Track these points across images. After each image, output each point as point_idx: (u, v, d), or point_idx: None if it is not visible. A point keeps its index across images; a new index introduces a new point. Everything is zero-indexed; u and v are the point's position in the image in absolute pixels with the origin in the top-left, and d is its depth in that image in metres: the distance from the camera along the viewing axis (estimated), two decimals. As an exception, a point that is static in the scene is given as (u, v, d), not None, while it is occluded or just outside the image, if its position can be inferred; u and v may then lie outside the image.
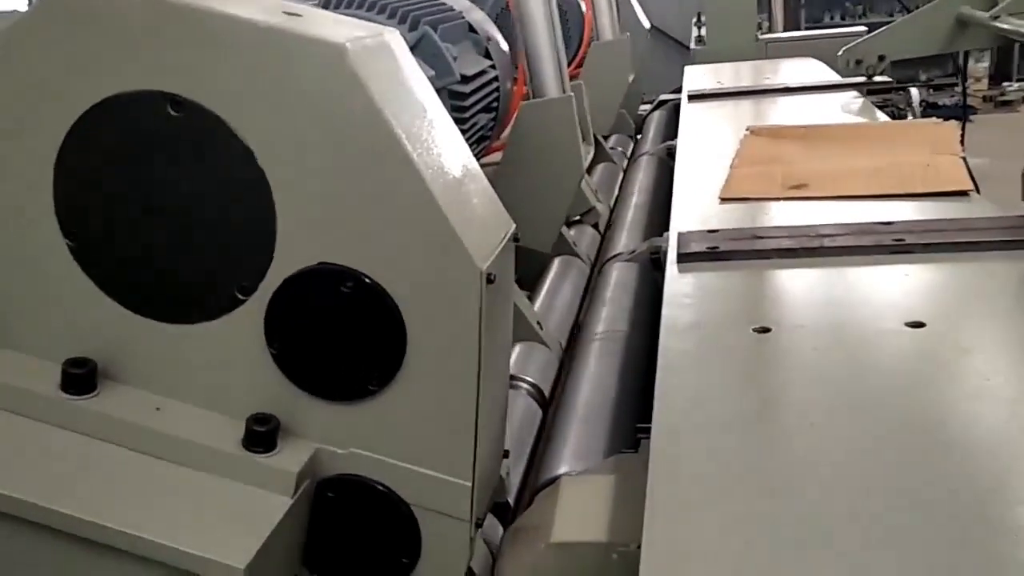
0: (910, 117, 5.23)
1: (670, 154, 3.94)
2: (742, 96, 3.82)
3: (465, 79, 2.75)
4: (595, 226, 3.74)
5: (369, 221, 1.27)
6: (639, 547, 0.95)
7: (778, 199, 2.12)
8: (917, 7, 4.60)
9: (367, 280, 1.28)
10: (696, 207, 2.17)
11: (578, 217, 3.70)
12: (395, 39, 1.40)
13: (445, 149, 1.34)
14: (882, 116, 3.21)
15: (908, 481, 1.03)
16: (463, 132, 2.87)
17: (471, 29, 3.15)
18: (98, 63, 1.27)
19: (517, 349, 2.34)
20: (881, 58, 4.28)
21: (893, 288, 1.57)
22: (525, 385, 2.19)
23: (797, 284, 1.65)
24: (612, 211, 3.89)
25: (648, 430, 1.20)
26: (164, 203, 1.30)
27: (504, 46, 3.35)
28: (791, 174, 2.28)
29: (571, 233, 3.45)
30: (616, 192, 4.24)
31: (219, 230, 1.30)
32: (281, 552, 1.31)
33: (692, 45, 6.71)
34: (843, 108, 3.43)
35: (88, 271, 1.34)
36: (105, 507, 1.24)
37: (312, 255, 1.29)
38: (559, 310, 2.79)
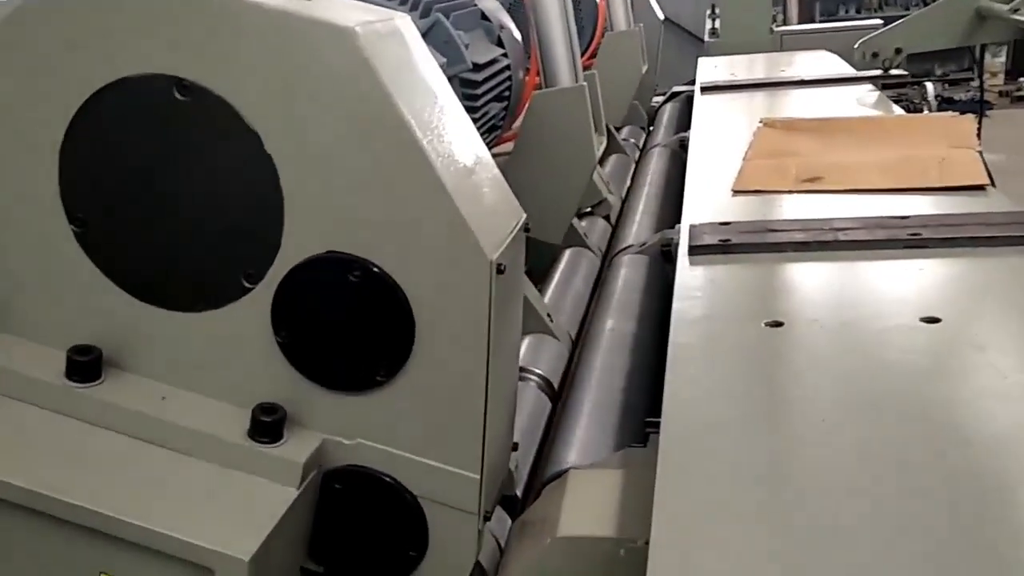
0: (925, 112, 5.19)
1: (682, 146, 3.92)
2: (756, 88, 3.79)
3: (477, 67, 2.72)
4: (607, 218, 3.72)
5: (378, 209, 1.25)
6: (647, 543, 0.94)
7: (791, 192, 2.10)
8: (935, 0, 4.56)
9: (375, 269, 1.27)
10: (708, 199, 2.15)
11: (589, 209, 3.68)
12: (406, 24, 1.38)
13: (456, 136, 1.33)
14: (897, 110, 3.18)
15: (922, 479, 1.02)
16: (474, 121, 2.84)
17: (484, 17, 3.12)
18: (104, 46, 1.26)
19: (527, 341, 2.33)
20: (898, 51, 4.25)
21: (908, 283, 1.55)
22: (535, 377, 2.17)
23: (810, 278, 1.63)
24: (624, 203, 3.87)
25: (657, 424, 1.19)
26: (170, 189, 1.29)
27: (517, 35, 3.32)
28: (805, 167, 2.26)
29: (582, 225, 3.43)
30: (628, 184, 4.21)
31: (226, 216, 1.29)
32: (286, 544, 1.30)
33: (706, 37, 6.67)
34: (858, 101, 3.40)
35: (94, 257, 1.33)
36: (108, 496, 1.23)
37: (320, 243, 1.27)
38: (569, 302, 2.78)
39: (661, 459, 1.06)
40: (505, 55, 3.11)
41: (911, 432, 1.11)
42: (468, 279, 1.26)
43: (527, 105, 3.24)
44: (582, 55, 4.47)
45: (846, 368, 1.27)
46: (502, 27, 3.20)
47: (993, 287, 1.54)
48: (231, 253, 1.30)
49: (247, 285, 1.31)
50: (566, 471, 1.53)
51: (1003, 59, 10.00)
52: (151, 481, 1.27)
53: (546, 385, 2.17)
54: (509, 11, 3.47)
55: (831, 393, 1.21)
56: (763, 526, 0.95)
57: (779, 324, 1.39)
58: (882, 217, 1.81)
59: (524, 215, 1.45)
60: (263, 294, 1.30)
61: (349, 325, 1.30)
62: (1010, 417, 1.12)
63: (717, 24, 6.64)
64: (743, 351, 1.35)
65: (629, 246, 2.93)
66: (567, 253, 3.15)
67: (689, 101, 4.29)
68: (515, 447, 1.59)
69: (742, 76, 4.12)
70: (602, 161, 4.32)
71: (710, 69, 4.41)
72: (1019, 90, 9.75)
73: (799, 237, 1.73)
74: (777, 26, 6.76)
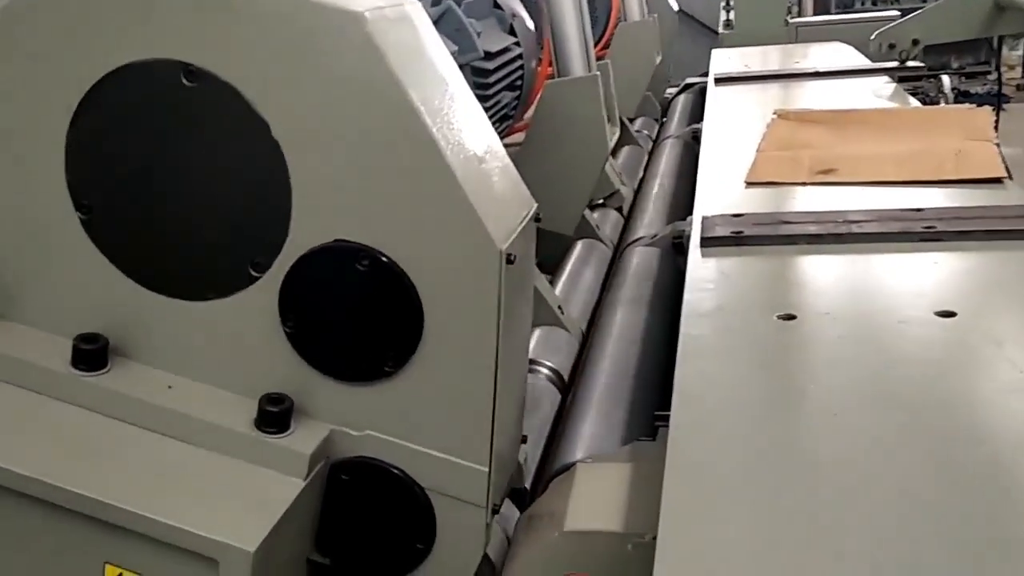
0: (942, 104, 5.14)
1: (695, 137, 3.90)
2: (770, 80, 3.76)
3: (488, 56, 2.71)
4: (619, 209, 3.70)
5: (386, 197, 1.24)
6: (655, 538, 0.92)
7: (805, 184, 2.08)
8: (953, -10, 4.51)
9: (384, 258, 1.25)
10: (721, 191, 2.13)
11: (602, 200, 3.66)
12: (416, 11, 1.37)
13: (466, 125, 1.31)
14: (913, 102, 3.15)
15: (935, 475, 1.00)
16: (486, 110, 2.83)
17: (496, 5, 3.11)
18: (110, 32, 1.25)
19: (537, 333, 2.32)
20: (915, 42, 4.20)
21: (922, 276, 1.53)
22: (545, 370, 2.16)
23: (823, 271, 1.61)
24: (636, 194, 3.85)
25: (667, 417, 1.17)
26: (177, 176, 1.28)
27: (530, 23, 3.30)
28: (819, 159, 2.24)
29: (594, 216, 3.42)
30: (641, 175, 4.20)
31: (233, 204, 1.28)
32: (292, 535, 1.29)
33: (720, 29, 6.64)
34: (873, 93, 3.37)
35: (100, 245, 1.32)
36: (113, 486, 1.23)
37: (328, 232, 1.26)
38: (580, 294, 2.77)
39: (669, 453, 1.05)
40: (517, 44, 3.10)
41: (925, 427, 1.09)
42: (477, 269, 1.25)
43: (539, 95, 3.22)
44: (596, 45, 4.45)
45: (859, 362, 1.25)
46: (515, 16, 3.19)
47: (1010, 281, 1.52)
48: (238, 242, 1.29)
49: (254, 274, 1.30)
50: (573, 464, 1.52)
51: (1021, 52, 9.88)
52: (156, 471, 1.27)
53: (556, 377, 2.17)
54: (522, 0, 3.46)
55: (843, 387, 1.19)
56: (772, 521, 0.93)
57: (791, 317, 1.37)
58: (896, 210, 1.79)
59: (535, 205, 1.44)
60: (270, 283, 1.29)
61: (357, 315, 1.28)
62: (1026, 412, 1.10)
63: (731, 15, 6.60)
64: (754, 344, 1.33)
65: (641, 238, 2.91)
66: (579, 245, 3.14)
67: (702, 93, 4.27)
68: (524, 440, 1.58)
69: (756, 68, 4.09)
70: (615, 152, 4.30)
71: (724, 60, 4.38)
72: (1037, 83, 9.65)
73: (812, 229, 1.71)
74: (792, 17, 6.71)
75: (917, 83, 5.37)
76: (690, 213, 2.04)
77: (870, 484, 0.98)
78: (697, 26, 8.34)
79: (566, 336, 2.38)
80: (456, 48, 2.41)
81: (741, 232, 1.72)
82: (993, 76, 6.04)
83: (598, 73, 3.21)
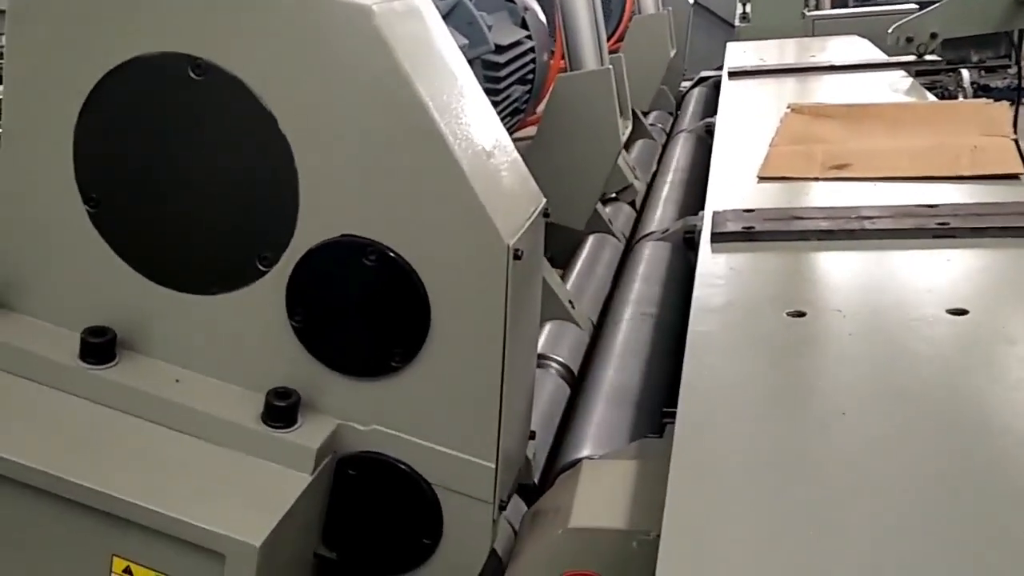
0: (960, 99, 5.09)
1: (709, 131, 3.87)
2: (784, 74, 3.73)
3: (500, 49, 2.69)
4: (632, 203, 3.68)
5: (394, 192, 1.24)
6: (659, 536, 0.92)
7: (818, 179, 2.06)
8: (973, -18, 4.46)
9: (391, 253, 1.25)
10: (733, 186, 2.11)
11: (614, 194, 3.65)
12: (425, 4, 1.36)
13: (474, 119, 1.31)
14: (930, 97, 3.12)
15: (943, 474, 0.99)
16: (496, 104, 2.82)
17: (508, -2, 3.09)
18: (118, 25, 1.25)
19: (548, 328, 2.31)
20: (933, 35, 4.16)
21: (935, 273, 1.52)
22: (555, 365, 2.16)
23: (834, 267, 1.59)
24: (648, 189, 3.83)
25: (674, 414, 1.16)
26: (184, 169, 1.28)
27: (542, 16, 3.29)
28: (832, 154, 2.22)
29: (607, 210, 3.40)
30: (654, 169, 4.18)
31: (240, 198, 1.28)
32: (299, 529, 1.29)
33: (736, 22, 6.61)
34: (889, 87, 3.34)
35: (107, 238, 1.32)
36: (120, 479, 1.23)
37: (335, 226, 1.26)
38: (592, 289, 2.75)
39: (675, 450, 1.04)
40: (529, 37, 3.08)
41: (934, 426, 1.08)
42: (484, 264, 1.24)
43: (551, 88, 3.21)
44: (610, 38, 4.43)
45: (868, 360, 1.24)
46: (527, 8, 3.17)
47: (1024, 279, 1.50)
48: (246, 236, 1.29)
49: (262, 268, 1.30)
50: (579, 461, 1.51)
51: (1041, 45, 9.80)
52: (163, 464, 1.27)
53: (566, 372, 2.16)
54: (534, -8, 3.44)
55: (852, 385, 1.18)
56: (777, 520, 0.93)
57: (801, 314, 1.36)
58: (910, 206, 1.77)
59: (544, 200, 1.43)
60: (278, 277, 1.29)
61: (364, 309, 1.28)
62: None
63: (748, 8, 6.57)
64: (763, 341, 1.32)
65: (652, 232, 2.90)
66: (591, 239, 3.13)
67: (717, 86, 4.24)
68: (532, 436, 1.58)
69: (771, 61, 4.06)
70: (628, 146, 4.28)
71: (739, 54, 4.35)
72: (1057, 78, 9.55)
73: (824, 225, 1.70)
74: (809, 10, 6.67)
75: (936, 77, 5.33)
76: (702, 208, 2.03)
77: (876, 483, 0.97)
78: (713, 19, 8.30)
79: (577, 331, 2.37)
80: (467, 42, 2.39)
81: (752, 227, 1.71)
82: (1013, 70, 5.96)
83: (610, 67, 3.19)
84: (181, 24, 1.23)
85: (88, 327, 1.33)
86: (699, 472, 1.02)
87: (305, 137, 1.24)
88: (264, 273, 1.30)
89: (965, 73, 5.73)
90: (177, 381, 1.34)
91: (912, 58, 4.06)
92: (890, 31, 4.22)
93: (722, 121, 2.97)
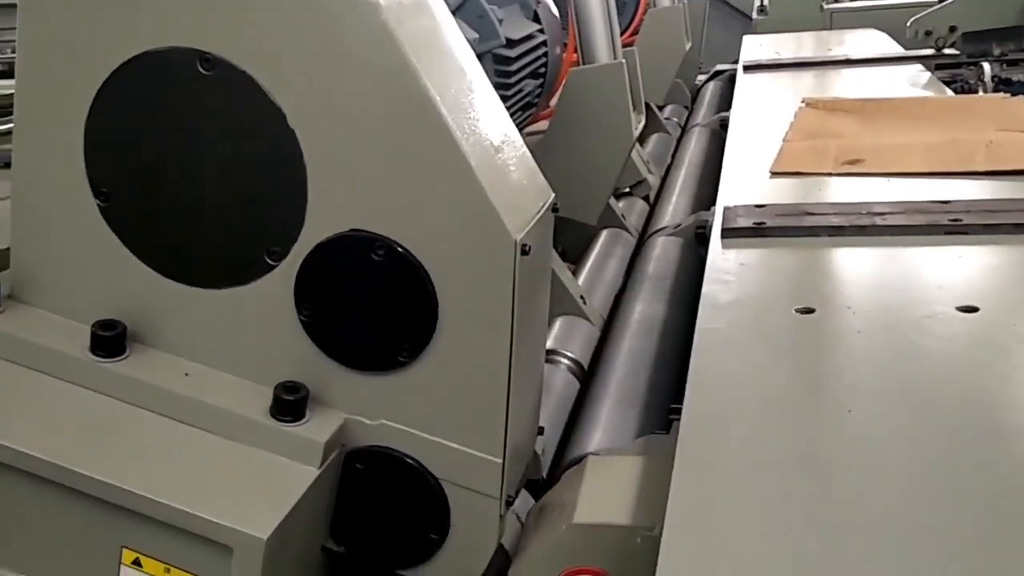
0: (981, 93, 5.05)
1: (723, 125, 3.86)
2: (800, 68, 3.72)
3: (511, 43, 2.68)
4: (645, 198, 3.67)
5: (401, 187, 1.24)
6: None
7: (830, 175, 2.05)
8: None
9: (399, 248, 1.25)
10: (746, 181, 2.11)
11: (628, 189, 3.64)
12: (434, -2, 1.36)
13: (483, 114, 1.31)
14: (947, 91, 3.10)
15: (950, 473, 0.98)
16: (508, 98, 2.82)
17: (520, -9, 3.08)
18: (128, 20, 1.25)
19: (559, 323, 2.31)
20: (952, 29, 4.13)
21: (946, 270, 1.51)
22: (566, 360, 2.15)
23: (845, 264, 1.59)
24: (662, 183, 3.82)
25: (681, 411, 1.16)
26: (194, 164, 1.28)
27: (554, 10, 3.27)
28: (846, 149, 2.21)
29: (620, 205, 3.39)
30: (668, 164, 4.17)
31: (249, 193, 1.28)
32: (306, 523, 1.30)
33: (754, 15, 6.57)
34: (906, 82, 3.32)
35: (118, 232, 1.33)
36: (129, 471, 1.23)
37: (343, 221, 1.26)
38: (604, 284, 2.75)
39: (679, 446, 1.04)
40: (541, 31, 3.07)
41: (941, 424, 1.07)
42: (492, 259, 1.24)
43: (564, 82, 3.20)
44: (624, 32, 4.42)
45: (876, 357, 1.23)
46: (539, 2, 3.16)
47: (1037, 276, 1.49)
48: (255, 230, 1.30)
49: (270, 262, 1.30)
50: (585, 457, 1.51)
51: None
52: (171, 457, 1.28)
53: (577, 368, 2.16)
54: (548, -14, 3.43)
55: (859, 383, 1.17)
56: (779, 518, 0.92)
57: (810, 311, 1.35)
58: (922, 202, 1.76)
59: (552, 195, 1.43)
60: (286, 272, 1.30)
61: (372, 304, 1.28)
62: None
63: (766, 1, 6.53)
64: (771, 338, 1.32)
65: (664, 228, 2.89)
66: (603, 234, 3.12)
67: (732, 80, 4.23)
68: (541, 431, 1.58)
69: (787, 55, 4.04)
70: (643, 140, 4.27)
71: (754, 47, 4.34)
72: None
73: (835, 221, 1.69)
74: (827, 3, 6.63)
75: (957, 71, 5.28)
76: (714, 203, 2.02)
77: (881, 482, 0.97)
78: (730, 11, 8.26)
79: (588, 326, 2.37)
80: (477, 36, 2.38)
81: (763, 223, 1.71)
82: (1034, 63, 5.89)
83: (623, 60, 3.18)
84: (190, 19, 1.24)
85: (98, 320, 1.34)
86: (703, 468, 1.02)
87: (313, 132, 1.24)
88: (273, 267, 1.30)
89: (986, 67, 5.68)
90: (186, 375, 1.34)
91: (930, 52, 4.03)
92: (908, 24, 4.19)
93: (736, 115, 2.96)
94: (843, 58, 3.83)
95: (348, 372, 1.33)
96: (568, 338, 2.26)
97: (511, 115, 1.44)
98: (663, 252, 2.59)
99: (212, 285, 1.33)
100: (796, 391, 1.18)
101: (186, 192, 1.30)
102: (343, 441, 1.33)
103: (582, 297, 2.43)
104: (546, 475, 1.68)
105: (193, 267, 1.33)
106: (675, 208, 3.22)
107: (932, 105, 2.80)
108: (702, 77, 5.98)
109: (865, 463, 1.00)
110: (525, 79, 2.90)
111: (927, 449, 1.03)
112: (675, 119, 5.10)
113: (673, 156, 4.25)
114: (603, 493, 1.35)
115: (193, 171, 1.29)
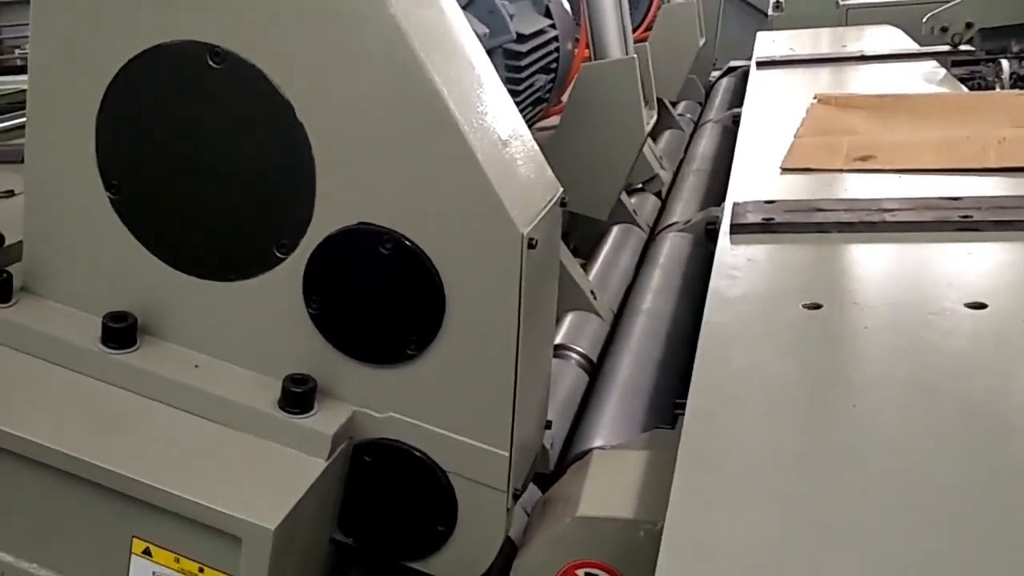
0: (997, 89, 5.01)
1: (735, 122, 3.84)
2: (813, 64, 3.70)
3: (522, 38, 2.68)
4: (657, 194, 3.67)
5: (409, 180, 1.24)
6: None
7: (841, 171, 2.05)
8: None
9: (407, 242, 1.26)
10: (756, 177, 2.10)
11: (640, 185, 3.63)
12: (443, -8, 1.36)
13: (491, 108, 1.31)
14: (962, 88, 3.09)
15: (956, 469, 0.98)
16: (518, 93, 2.82)
17: (531, -14, 3.07)
18: (139, 13, 1.26)
19: (570, 318, 2.31)
20: (969, 25, 4.10)
21: (955, 267, 1.50)
22: (575, 355, 2.16)
23: (853, 260, 1.58)
24: (673, 179, 3.81)
25: (686, 406, 1.16)
26: (203, 157, 1.29)
27: (566, 5, 3.27)
28: (857, 145, 2.20)
29: (632, 201, 3.39)
30: (681, 159, 4.16)
31: (258, 186, 1.29)
32: (314, 514, 1.31)
33: (770, 11, 6.54)
34: (921, 78, 3.30)
35: (128, 224, 1.34)
36: (140, 462, 1.25)
37: (352, 214, 1.27)
38: (615, 280, 2.75)
39: (683, 441, 1.04)
40: (553, 26, 3.07)
41: (947, 420, 1.07)
42: (498, 253, 1.24)
43: (575, 78, 3.20)
44: (638, 27, 4.41)
45: (883, 353, 1.23)
46: (551, -4, 3.16)
47: (1047, 273, 1.49)
48: (263, 223, 1.30)
49: (279, 255, 1.31)
50: (590, 451, 1.51)
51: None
52: (182, 448, 1.29)
53: (586, 363, 2.16)
54: (560, -19, 3.42)
55: (866, 379, 1.17)
56: (782, 513, 0.93)
57: (818, 307, 1.35)
58: (933, 198, 1.76)
59: (560, 189, 1.43)
60: (295, 265, 1.30)
61: (380, 297, 1.29)
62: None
63: (782, -2, 6.51)
64: (777, 333, 1.32)
65: (675, 223, 2.89)
66: (615, 230, 3.12)
67: (746, 76, 4.21)
68: (548, 425, 1.58)
69: (801, 51, 4.02)
70: (656, 136, 4.27)
71: (768, 44, 4.32)
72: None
73: (845, 217, 1.69)
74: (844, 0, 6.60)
75: (975, 67, 5.24)
76: (725, 199, 2.02)
77: (885, 478, 0.97)
78: (745, 8, 8.21)
79: (598, 321, 2.37)
80: (487, 30, 2.38)
81: (772, 219, 1.71)
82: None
83: (635, 56, 3.17)
84: (200, 13, 1.24)
85: (109, 312, 1.35)
86: (706, 463, 1.02)
87: (322, 125, 1.25)
88: (282, 260, 1.31)
89: (1005, 64, 5.64)
90: (196, 366, 1.35)
91: (946, 48, 4.01)
92: (924, 20, 4.17)
93: (748, 112, 2.95)
94: (858, 54, 3.81)
95: (356, 365, 1.33)
96: (579, 333, 2.27)
97: (521, 110, 1.44)
98: (673, 248, 2.59)
99: (222, 278, 1.34)
100: (801, 386, 1.18)
101: (196, 185, 1.31)
102: (351, 433, 1.34)
103: (592, 292, 2.44)
104: (553, 468, 1.69)
105: (203, 260, 1.34)
106: (687, 204, 3.21)
107: (946, 101, 2.78)
108: (716, 73, 5.96)
109: (869, 459, 1.00)
110: (536, 74, 2.89)
111: (933, 445, 1.03)
112: (688, 115, 5.09)
113: (686, 152, 4.24)
114: (607, 487, 1.35)
115: (202, 164, 1.30)
